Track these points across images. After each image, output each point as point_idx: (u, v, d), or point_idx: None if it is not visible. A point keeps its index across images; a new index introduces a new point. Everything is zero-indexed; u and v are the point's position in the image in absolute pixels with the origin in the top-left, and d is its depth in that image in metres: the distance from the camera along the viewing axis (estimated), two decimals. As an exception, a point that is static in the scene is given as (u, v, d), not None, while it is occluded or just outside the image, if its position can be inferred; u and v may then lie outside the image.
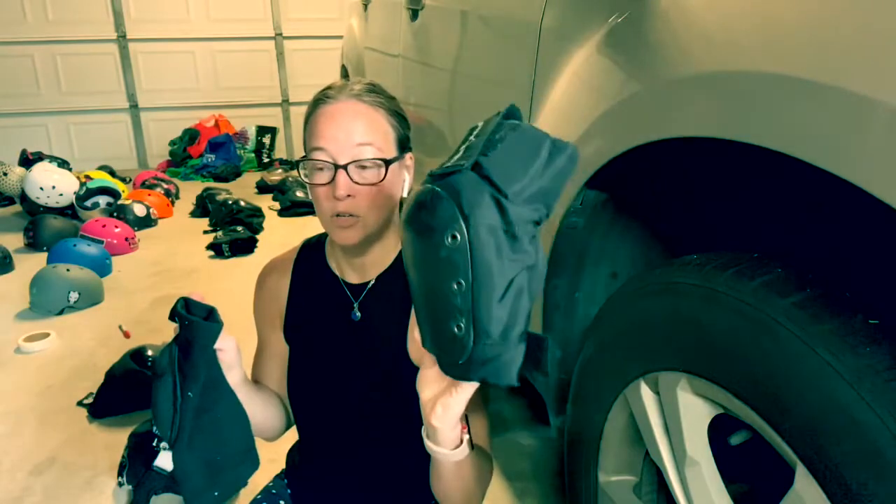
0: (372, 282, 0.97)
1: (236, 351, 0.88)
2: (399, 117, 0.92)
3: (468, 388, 0.68)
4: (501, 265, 0.57)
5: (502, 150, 0.57)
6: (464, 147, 0.60)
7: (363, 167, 0.86)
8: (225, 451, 0.86)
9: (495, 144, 0.57)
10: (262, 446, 0.91)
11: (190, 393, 0.81)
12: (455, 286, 0.58)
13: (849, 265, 0.67)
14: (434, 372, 0.69)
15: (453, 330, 0.60)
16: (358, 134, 0.86)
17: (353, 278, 0.98)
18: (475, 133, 0.61)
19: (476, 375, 0.63)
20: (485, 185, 0.56)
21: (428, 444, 0.75)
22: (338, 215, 0.86)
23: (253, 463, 0.89)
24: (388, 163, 0.87)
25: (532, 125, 0.59)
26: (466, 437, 0.76)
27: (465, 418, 0.75)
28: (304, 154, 0.89)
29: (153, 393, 0.83)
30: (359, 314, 0.97)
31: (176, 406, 0.82)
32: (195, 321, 0.81)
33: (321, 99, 0.89)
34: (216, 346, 0.83)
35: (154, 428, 0.85)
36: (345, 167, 0.85)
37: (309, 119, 0.90)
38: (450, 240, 0.57)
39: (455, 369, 0.65)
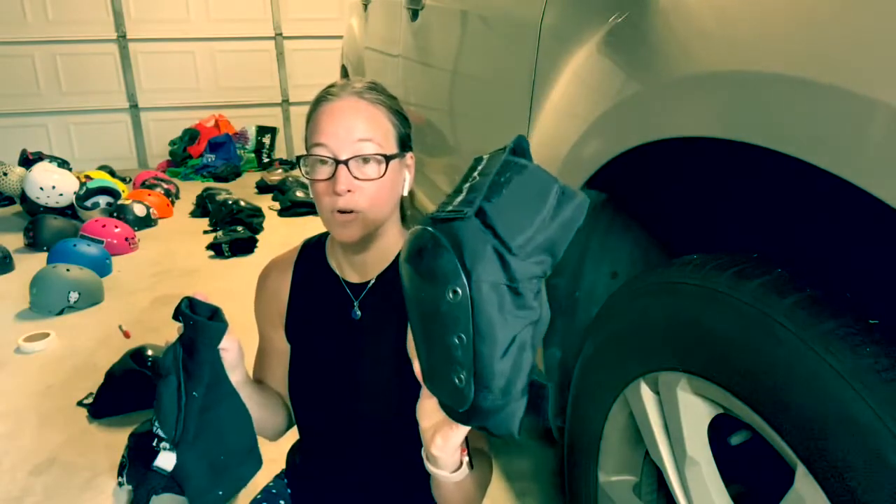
0: (372, 281, 0.97)
1: (239, 351, 0.88)
2: (399, 116, 0.93)
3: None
4: (504, 321, 0.55)
5: (507, 196, 0.54)
6: (466, 187, 0.57)
7: (364, 162, 0.86)
8: (228, 450, 0.86)
9: (500, 189, 0.54)
10: (262, 446, 0.91)
11: (195, 393, 0.81)
12: (456, 340, 0.56)
13: (849, 265, 0.67)
14: (434, 403, 0.68)
15: (454, 381, 0.59)
16: (358, 130, 0.86)
17: (353, 277, 0.98)
18: (479, 169, 0.58)
19: (476, 425, 0.61)
20: (488, 235, 0.53)
21: (428, 466, 0.76)
22: (338, 212, 0.87)
23: (256, 462, 0.90)
24: (388, 158, 0.87)
25: (539, 166, 0.56)
26: (466, 459, 0.76)
27: (465, 441, 0.75)
28: (305, 152, 0.90)
29: (157, 392, 0.83)
30: (359, 313, 0.97)
31: (180, 406, 0.82)
32: (200, 321, 0.81)
33: (323, 97, 0.89)
34: (220, 345, 0.83)
35: (154, 427, 0.85)
36: (345, 162, 0.85)
37: (311, 117, 0.90)
38: (451, 295, 0.55)
39: (455, 415, 0.63)
